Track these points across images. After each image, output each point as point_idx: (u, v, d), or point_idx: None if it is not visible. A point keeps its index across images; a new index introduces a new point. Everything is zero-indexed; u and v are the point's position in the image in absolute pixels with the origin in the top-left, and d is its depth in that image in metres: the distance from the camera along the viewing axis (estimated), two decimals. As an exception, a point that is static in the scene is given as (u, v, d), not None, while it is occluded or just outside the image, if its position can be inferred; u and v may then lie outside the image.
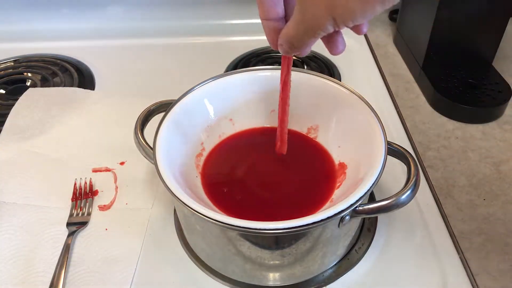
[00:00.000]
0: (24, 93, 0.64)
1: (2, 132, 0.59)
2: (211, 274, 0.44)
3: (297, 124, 0.50)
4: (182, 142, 0.44)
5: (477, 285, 0.43)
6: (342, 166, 0.46)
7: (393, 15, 0.87)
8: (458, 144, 0.59)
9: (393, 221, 0.49)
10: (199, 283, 0.44)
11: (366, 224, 0.49)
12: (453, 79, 0.67)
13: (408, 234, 0.48)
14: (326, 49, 0.37)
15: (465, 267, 0.45)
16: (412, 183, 0.38)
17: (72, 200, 0.51)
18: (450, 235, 0.48)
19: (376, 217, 0.49)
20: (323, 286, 0.43)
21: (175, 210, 0.50)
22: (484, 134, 0.61)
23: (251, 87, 0.49)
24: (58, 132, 0.60)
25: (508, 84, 0.65)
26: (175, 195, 0.36)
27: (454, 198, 0.52)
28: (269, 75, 0.50)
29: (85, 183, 0.52)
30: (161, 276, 0.44)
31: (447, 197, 0.52)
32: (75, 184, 0.52)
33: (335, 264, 0.45)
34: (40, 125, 0.60)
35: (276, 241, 0.38)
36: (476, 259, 0.46)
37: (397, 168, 0.53)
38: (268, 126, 0.51)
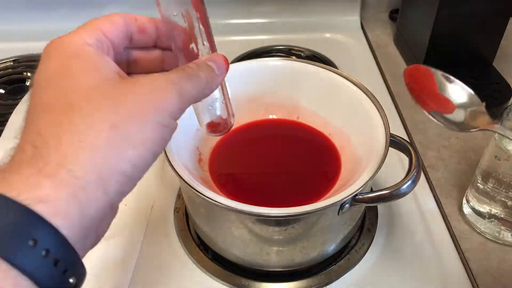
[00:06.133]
0: (29, 92, 0.64)
1: (4, 130, 0.59)
2: (211, 274, 0.44)
3: (303, 115, 0.51)
4: (185, 135, 0.44)
5: (477, 285, 0.43)
6: (346, 155, 0.46)
7: (394, 14, 0.86)
8: (459, 144, 0.59)
9: (393, 221, 0.49)
10: (198, 283, 0.44)
11: (366, 224, 0.49)
12: (453, 78, 0.67)
13: (408, 234, 0.48)
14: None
15: (465, 267, 0.45)
16: (413, 174, 0.38)
17: None
18: (450, 235, 0.48)
19: (376, 218, 0.49)
20: (323, 286, 0.43)
21: (174, 210, 0.50)
22: (484, 134, 0.60)
23: (252, 78, 0.50)
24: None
25: (509, 84, 0.65)
26: (191, 186, 0.36)
27: (454, 198, 0.52)
28: (271, 65, 0.50)
29: None
30: (160, 277, 0.44)
31: (447, 197, 0.52)
32: None
33: (335, 263, 0.45)
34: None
35: (278, 226, 0.38)
36: (476, 259, 0.46)
37: (398, 167, 0.53)
38: (276, 117, 0.52)
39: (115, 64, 0.25)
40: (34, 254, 0.18)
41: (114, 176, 0.22)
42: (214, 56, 0.29)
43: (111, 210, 0.23)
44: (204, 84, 0.27)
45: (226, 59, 0.30)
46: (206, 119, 0.35)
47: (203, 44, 0.30)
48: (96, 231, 0.23)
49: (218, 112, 0.34)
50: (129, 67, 0.30)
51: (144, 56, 0.31)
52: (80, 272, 0.21)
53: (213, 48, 0.31)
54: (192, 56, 0.30)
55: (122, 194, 0.23)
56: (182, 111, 0.25)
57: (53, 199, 0.19)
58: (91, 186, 0.21)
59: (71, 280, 0.20)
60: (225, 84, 0.33)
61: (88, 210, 0.21)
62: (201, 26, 0.30)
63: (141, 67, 0.31)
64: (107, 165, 0.21)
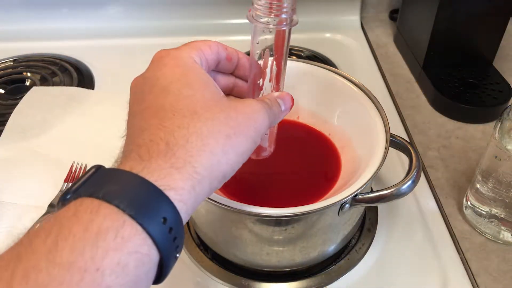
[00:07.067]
0: (29, 92, 0.64)
1: (4, 130, 0.59)
2: (211, 274, 0.44)
3: (303, 115, 0.51)
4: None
5: (477, 285, 0.43)
6: (346, 155, 0.46)
7: (394, 14, 0.86)
8: (459, 144, 0.59)
9: (393, 221, 0.49)
10: (198, 283, 0.44)
11: (366, 224, 0.49)
12: (453, 78, 0.67)
13: (408, 234, 0.48)
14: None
15: (465, 267, 0.45)
16: (413, 174, 0.38)
17: (65, 181, 0.52)
18: (450, 235, 0.48)
19: (377, 218, 0.49)
20: (323, 286, 0.43)
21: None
22: (484, 134, 0.61)
23: None
24: (60, 131, 0.60)
25: (509, 84, 0.65)
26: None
27: (454, 198, 0.52)
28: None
29: (80, 168, 0.53)
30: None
31: (447, 197, 0.52)
32: (72, 165, 0.53)
33: (335, 264, 0.45)
34: (42, 124, 0.60)
35: (278, 226, 0.38)
36: (477, 259, 0.46)
37: (398, 167, 0.53)
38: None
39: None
40: (163, 229, 0.23)
41: (219, 176, 0.27)
42: (284, 94, 0.34)
43: None
44: (274, 116, 0.32)
45: (292, 99, 0.35)
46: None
47: (269, 81, 0.35)
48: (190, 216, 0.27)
49: (267, 141, 0.38)
50: None
51: (222, 80, 0.35)
52: (181, 249, 0.25)
53: (278, 86, 0.36)
54: (257, 89, 0.35)
55: (215, 190, 0.28)
56: (265, 133, 0.31)
57: (180, 188, 0.24)
58: (205, 181, 0.26)
59: (177, 255, 0.25)
60: None
61: (198, 201, 0.26)
62: (274, 66, 0.35)
63: None
64: (218, 167, 0.26)
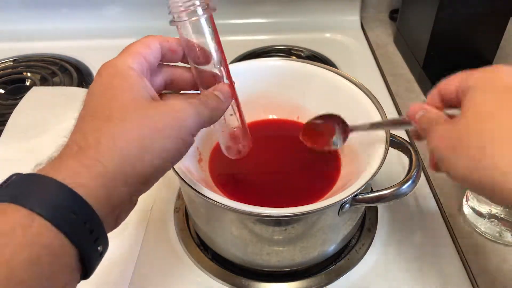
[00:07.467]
0: (29, 92, 0.64)
1: (4, 130, 0.59)
2: (211, 274, 0.44)
3: (303, 115, 0.51)
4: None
5: (477, 285, 0.43)
6: (346, 155, 0.46)
7: (394, 14, 0.86)
8: (459, 144, 0.59)
9: (393, 221, 0.49)
10: (198, 283, 0.44)
11: (366, 224, 0.49)
12: (453, 78, 0.67)
13: (408, 234, 0.48)
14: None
15: (465, 267, 0.45)
16: (413, 174, 0.38)
17: None
18: (450, 235, 0.48)
19: (376, 218, 0.49)
20: (323, 286, 0.43)
21: (174, 210, 0.50)
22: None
23: (252, 78, 0.50)
24: (60, 131, 0.60)
25: (509, 84, 0.65)
26: (195, 189, 0.36)
27: (454, 198, 0.52)
28: (272, 65, 0.50)
29: None
30: (160, 277, 0.44)
31: (447, 197, 0.52)
32: None
33: (335, 264, 0.45)
34: (42, 124, 0.60)
35: (278, 226, 0.38)
36: (477, 259, 0.46)
37: (398, 167, 0.53)
38: (276, 118, 0.52)
39: (151, 87, 0.31)
40: (75, 223, 0.24)
41: (135, 177, 0.28)
42: (219, 86, 0.35)
43: (130, 201, 0.29)
44: (215, 108, 0.33)
45: (230, 88, 0.35)
46: (224, 143, 0.40)
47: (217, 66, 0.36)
48: (115, 214, 0.28)
49: (235, 139, 0.39)
50: (166, 85, 0.36)
51: (178, 76, 0.36)
52: (106, 243, 0.27)
53: (229, 76, 0.36)
54: (205, 76, 0.35)
55: (140, 191, 0.29)
56: (199, 128, 0.31)
57: (89, 185, 0.25)
58: (117, 179, 0.27)
59: (99, 248, 0.26)
60: (241, 115, 0.38)
61: (112, 197, 0.27)
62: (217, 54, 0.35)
63: (176, 85, 0.36)
64: (133, 166, 0.27)
